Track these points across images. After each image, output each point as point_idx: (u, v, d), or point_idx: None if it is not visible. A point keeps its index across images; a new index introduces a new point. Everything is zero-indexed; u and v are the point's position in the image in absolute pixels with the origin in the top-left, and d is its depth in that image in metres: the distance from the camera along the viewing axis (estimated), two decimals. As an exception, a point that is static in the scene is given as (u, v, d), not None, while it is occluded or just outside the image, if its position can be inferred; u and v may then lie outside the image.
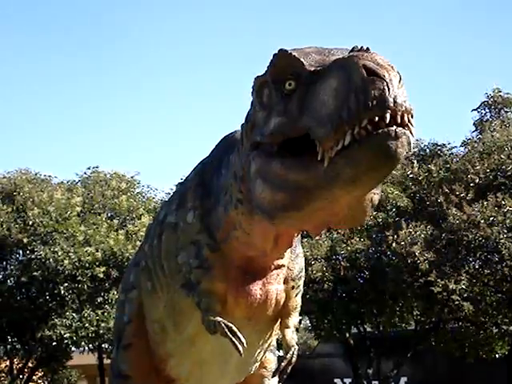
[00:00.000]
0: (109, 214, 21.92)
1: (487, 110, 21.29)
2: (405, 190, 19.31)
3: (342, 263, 18.31)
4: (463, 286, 17.08)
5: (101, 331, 20.12)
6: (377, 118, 2.68)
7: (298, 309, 3.82)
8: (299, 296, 3.82)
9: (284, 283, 3.70)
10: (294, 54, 3.07)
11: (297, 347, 3.78)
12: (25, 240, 20.24)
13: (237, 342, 3.41)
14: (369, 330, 22.29)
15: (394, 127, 2.68)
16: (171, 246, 3.88)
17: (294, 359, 3.73)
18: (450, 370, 23.13)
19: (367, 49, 2.85)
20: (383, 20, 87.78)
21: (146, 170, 77.94)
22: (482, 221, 16.99)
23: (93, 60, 77.99)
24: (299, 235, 3.81)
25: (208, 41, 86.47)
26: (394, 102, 2.68)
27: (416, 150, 20.67)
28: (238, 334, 3.42)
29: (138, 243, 16.00)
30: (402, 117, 2.71)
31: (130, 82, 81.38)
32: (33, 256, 20.11)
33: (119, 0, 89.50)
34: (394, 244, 17.63)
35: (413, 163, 19.60)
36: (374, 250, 18.66)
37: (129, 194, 22.58)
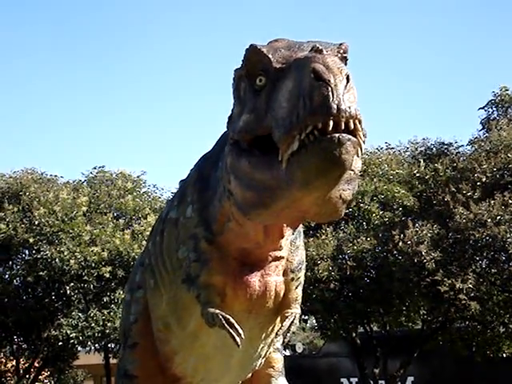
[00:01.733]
0: (115, 214, 21.92)
1: (494, 109, 21.24)
2: (411, 189, 19.28)
3: (349, 262, 18.26)
4: (470, 285, 17.04)
5: (107, 331, 20.13)
6: (320, 125, 2.69)
7: (299, 301, 3.78)
8: (300, 288, 3.78)
9: (283, 275, 3.66)
10: (262, 49, 3.09)
11: (297, 321, 3.73)
12: (31, 240, 20.24)
13: (234, 334, 3.40)
14: (375, 329, 22.26)
15: (337, 134, 2.69)
16: (172, 242, 3.89)
17: (293, 325, 3.67)
18: (456, 369, 23.05)
19: (320, 50, 2.83)
20: (392, 17, 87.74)
21: (152, 169, 78.11)
22: (489, 220, 16.95)
23: (100, 60, 78.15)
24: (299, 227, 3.76)
25: (216, 41, 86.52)
26: (338, 108, 2.68)
27: (422, 149, 20.66)
28: (236, 325, 3.41)
29: (144, 243, 15.97)
30: (347, 123, 2.71)
31: (137, 82, 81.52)
32: (39, 256, 20.12)
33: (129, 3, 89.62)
34: (400, 243, 17.58)
35: (419, 162, 19.57)
36: (380, 250, 18.62)
37: (135, 193, 22.58)
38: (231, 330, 3.41)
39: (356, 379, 24.16)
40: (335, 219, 3.27)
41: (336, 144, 2.69)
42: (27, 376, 24.75)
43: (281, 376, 4.50)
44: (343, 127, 2.70)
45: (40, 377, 25.93)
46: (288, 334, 3.68)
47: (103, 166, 23.33)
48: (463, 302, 17.20)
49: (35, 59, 72.96)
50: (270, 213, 3.05)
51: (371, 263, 18.65)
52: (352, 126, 2.72)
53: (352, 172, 2.97)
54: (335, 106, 2.68)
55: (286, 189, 2.88)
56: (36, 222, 20.35)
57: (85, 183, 22.99)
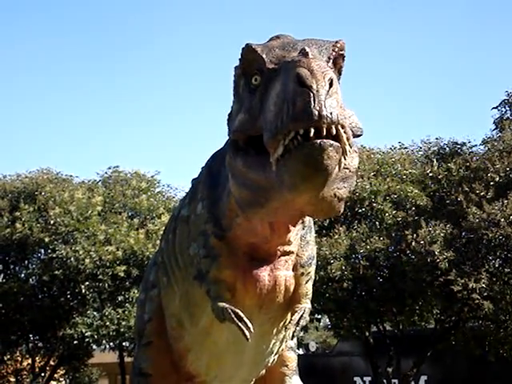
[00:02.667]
0: (129, 213, 22.03)
1: (507, 108, 21.16)
2: (424, 189, 19.26)
3: (362, 262, 18.26)
4: (483, 285, 17.01)
5: (121, 329, 20.24)
6: (302, 131, 2.74)
7: (309, 296, 3.78)
8: (310, 283, 3.78)
9: (293, 270, 3.67)
10: (257, 49, 3.13)
11: (307, 315, 3.74)
12: (46, 239, 20.38)
13: (243, 328, 3.42)
14: (388, 328, 22.24)
15: (319, 140, 2.72)
16: (184, 239, 3.92)
17: (302, 319, 3.68)
18: (470, 368, 23.01)
19: (306, 53, 2.87)
20: (405, 16, 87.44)
21: (166, 169, 78.13)
22: (502, 219, 16.93)
23: (114, 60, 78.31)
24: (310, 221, 3.80)
25: (233, 41, 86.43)
26: (319, 114, 2.72)
27: (436, 148, 20.63)
28: (245, 319, 3.43)
29: (158, 242, 16.02)
30: (329, 129, 2.75)
31: (152, 82, 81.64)
32: (54, 255, 20.26)
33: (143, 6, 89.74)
34: (413, 243, 17.58)
35: (432, 162, 19.55)
36: (393, 249, 18.61)
37: (149, 193, 22.68)
38: (240, 324, 3.42)
39: (369, 378, 24.15)
40: (333, 216, 3.33)
41: (317, 150, 2.73)
42: (43, 374, 24.90)
43: (295, 375, 4.52)
44: (326, 133, 2.74)
45: (55, 375, 26.07)
46: (297, 328, 3.68)
47: (118, 166, 23.48)
48: (476, 301, 17.17)
49: (52, 59, 73.25)
50: (266, 211, 3.11)
51: (384, 263, 18.64)
52: (334, 132, 2.75)
53: (347, 170, 3.02)
54: (316, 113, 2.71)
55: (278, 190, 2.93)
56: (51, 222, 20.48)
57: (100, 183, 23.11)
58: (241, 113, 3.14)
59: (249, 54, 3.17)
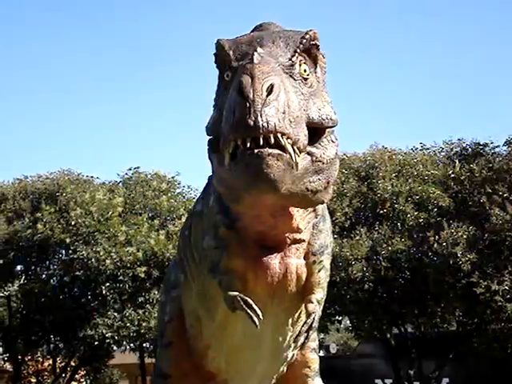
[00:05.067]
0: (150, 215, 22.08)
1: (531, 109, 21.02)
2: (446, 190, 19.15)
3: (383, 263, 18.20)
4: (506, 287, 16.93)
5: (142, 331, 20.27)
6: (240, 141, 2.76)
7: (322, 285, 3.72)
8: (323, 272, 3.70)
9: (305, 258, 3.62)
10: (225, 45, 3.15)
11: (317, 317, 3.66)
12: (67, 240, 20.48)
13: (253, 315, 3.37)
14: (410, 330, 22.14)
15: (256, 150, 2.75)
16: (199, 234, 3.91)
17: (314, 324, 3.60)
18: (492, 371, 22.86)
19: (251, 59, 2.87)
20: (427, 18, 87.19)
21: (187, 170, 78.31)
22: (526, 221, 16.82)
23: (136, 60, 78.66)
24: (324, 210, 3.75)
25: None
26: (254, 125, 2.73)
27: (458, 149, 20.51)
28: (254, 306, 3.38)
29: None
30: (268, 138, 2.75)
31: (172, 83, 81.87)
32: (75, 256, 20.35)
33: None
34: (435, 244, 17.50)
35: (455, 163, 19.44)
36: (415, 251, 18.54)
37: (169, 194, 22.73)
38: (249, 311, 3.38)
39: (390, 380, 24.05)
40: (313, 207, 3.39)
41: (256, 159, 2.76)
42: (64, 375, 25.04)
43: (317, 376, 4.48)
44: (263, 142, 2.75)
45: (76, 376, 26.20)
46: (310, 318, 3.58)
47: (138, 167, 23.51)
48: (499, 303, 17.09)
49: (71, 61, 73.68)
50: (245, 206, 3.14)
51: (406, 264, 18.56)
52: (272, 141, 2.77)
53: (319, 163, 3.06)
54: (252, 123, 2.73)
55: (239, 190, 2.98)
56: (72, 223, 20.57)
57: (120, 184, 23.17)
58: (213, 111, 3.18)
59: (220, 50, 3.19)
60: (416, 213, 18.68)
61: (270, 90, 2.79)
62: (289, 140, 2.81)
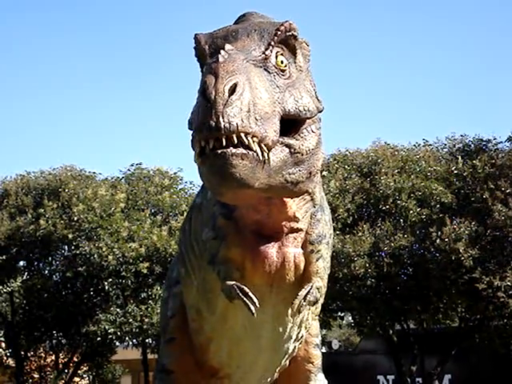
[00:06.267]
0: (152, 210, 22.09)
1: (533, 105, 20.99)
2: (449, 186, 19.12)
3: (385, 259, 18.18)
4: (508, 283, 16.92)
5: (144, 326, 20.28)
6: (203, 143, 2.78)
7: (321, 274, 3.72)
8: (321, 262, 3.71)
9: (302, 247, 3.64)
10: (201, 40, 3.17)
11: (316, 292, 3.63)
12: (70, 236, 20.49)
13: (249, 303, 3.37)
14: (412, 326, 22.14)
15: (220, 150, 2.76)
16: (198, 226, 3.94)
17: (310, 295, 3.56)
18: (494, 367, 22.87)
19: (217, 58, 2.86)
20: (430, 16, 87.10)
21: (189, 166, 78.36)
22: (528, 217, 16.81)
23: (139, 57, 78.69)
24: (322, 201, 3.76)
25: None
26: (216, 126, 2.75)
27: (460, 145, 20.47)
28: (251, 294, 3.39)
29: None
30: (230, 138, 2.76)
31: (174, 79, 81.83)
32: (78, 252, 20.37)
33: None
34: (438, 240, 17.49)
35: (457, 159, 19.40)
36: (417, 247, 18.54)
37: (172, 190, 22.72)
38: (245, 299, 3.38)
39: (393, 377, 24.08)
40: (297, 196, 3.40)
41: (220, 160, 2.77)
42: (66, 370, 25.08)
43: (320, 372, 4.50)
44: (226, 142, 2.76)
45: (79, 371, 26.22)
46: (304, 303, 3.55)
47: (140, 163, 23.49)
48: (501, 299, 17.09)
49: (74, 58, 73.69)
50: (229, 199, 3.13)
51: (408, 260, 18.57)
52: (235, 141, 2.77)
53: (298, 154, 3.08)
54: (213, 125, 2.74)
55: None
56: (75, 218, 20.59)
57: (123, 180, 23.16)
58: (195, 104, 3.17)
59: (197, 45, 3.21)
60: (418, 209, 18.66)
61: (233, 90, 2.79)
62: (254, 138, 2.81)
